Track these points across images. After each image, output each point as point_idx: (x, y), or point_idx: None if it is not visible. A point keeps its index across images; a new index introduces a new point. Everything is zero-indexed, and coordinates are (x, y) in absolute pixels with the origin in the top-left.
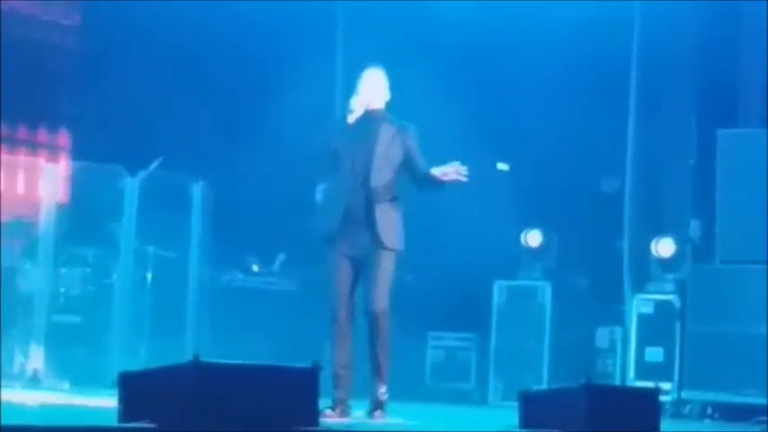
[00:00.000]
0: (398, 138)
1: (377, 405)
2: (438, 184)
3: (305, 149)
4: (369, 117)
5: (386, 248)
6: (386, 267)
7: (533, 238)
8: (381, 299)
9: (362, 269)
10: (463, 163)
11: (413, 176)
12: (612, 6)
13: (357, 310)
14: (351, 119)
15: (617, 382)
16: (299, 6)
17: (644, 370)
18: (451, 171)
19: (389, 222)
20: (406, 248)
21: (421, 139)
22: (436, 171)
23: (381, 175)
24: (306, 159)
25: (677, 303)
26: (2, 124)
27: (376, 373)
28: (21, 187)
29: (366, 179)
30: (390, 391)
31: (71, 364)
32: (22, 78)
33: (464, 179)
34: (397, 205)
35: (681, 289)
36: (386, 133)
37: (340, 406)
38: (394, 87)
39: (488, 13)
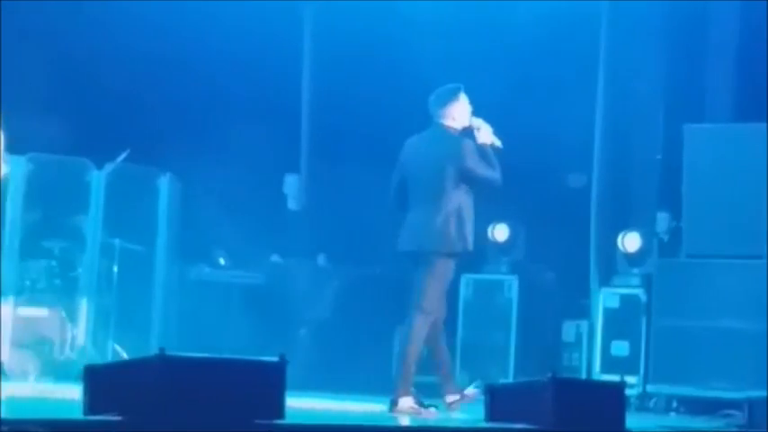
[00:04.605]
0: None
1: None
2: None
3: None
4: None
5: None
6: None
7: (500, 232)
8: None
9: None
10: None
11: None
12: (580, 1)
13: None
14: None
15: (583, 375)
16: (267, 3)
17: (610, 364)
18: None
19: None
20: (375, 242)
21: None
22: None
23: None
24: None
25: (643, 297)
26: None
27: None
28: None
29: None
30: (357, 385)
31: (37, 357)
32: None
33: None
34: None
35: (647, 283)
36: None
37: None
38: (362, 87)
39: (454, 10)
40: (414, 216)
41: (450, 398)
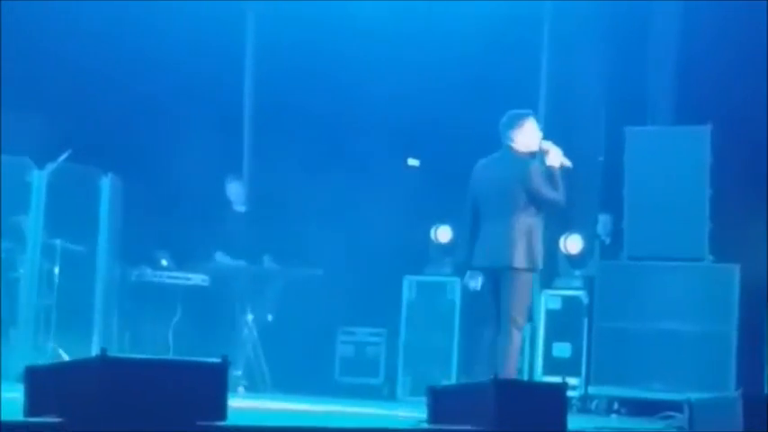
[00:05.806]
0: None
1: None
2: None
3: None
4: None
5: None
6: None
7: (443, 233)
8: None
9: None
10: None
11: None
12: (522, 5)
13: None
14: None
15: (525, 377)
16: (210, 5)
17: (551, 365)
18: None
19: None
20: (319, 244)
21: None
22: None
23: None
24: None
25: (585, 299)
26: None
27: None
28: None
29: None
30: (300, 386)
31: None
32: None
33: None
34: None
35: (589, 285)
36: None
37: None
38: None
39: (396, 16)
40: (487, 233)
41: None
